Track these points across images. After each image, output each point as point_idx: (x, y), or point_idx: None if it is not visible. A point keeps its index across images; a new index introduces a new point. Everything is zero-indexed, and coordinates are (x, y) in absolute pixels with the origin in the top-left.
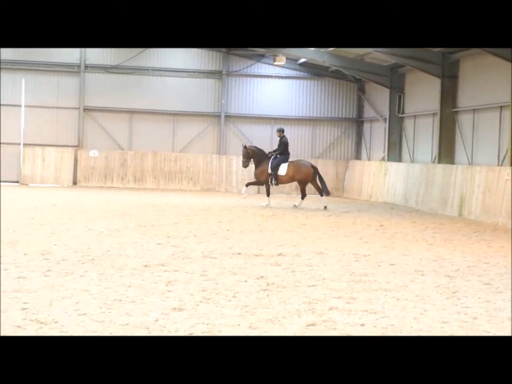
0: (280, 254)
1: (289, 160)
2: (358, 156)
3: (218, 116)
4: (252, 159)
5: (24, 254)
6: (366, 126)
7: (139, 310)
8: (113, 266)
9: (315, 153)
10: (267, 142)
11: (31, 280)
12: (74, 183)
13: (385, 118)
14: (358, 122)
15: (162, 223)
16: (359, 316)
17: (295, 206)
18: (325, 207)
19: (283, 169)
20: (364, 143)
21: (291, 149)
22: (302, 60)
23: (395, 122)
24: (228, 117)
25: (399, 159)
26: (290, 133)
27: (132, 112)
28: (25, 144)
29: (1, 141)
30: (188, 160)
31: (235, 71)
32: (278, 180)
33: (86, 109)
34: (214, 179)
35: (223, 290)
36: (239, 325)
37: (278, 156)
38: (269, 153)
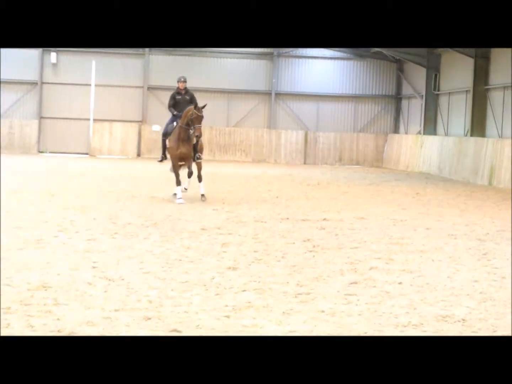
0: (324, 219)
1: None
2: (396, 130)
3: (268, 93)
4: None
5: (94, 218)
6: (404, 103)
7: (197, 269)
8: (174, 230)
9: (357, 127)
10: (314, 116)
11: (100, 242)
12: (138, 155)
13: (422, 95)
14: (396, 99)
15: (217, 190)
16: (397, 275)
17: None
18: None
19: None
20: (402, 118)
21: (334, 123)
22: None
23: (431, 99)
24: (277, 94)
25: (434, 133)
26: (334, 109)
27: (193, 90)
28: (94, 120)
29: (73, 117)
30: (241, 134)
31: (285, 53)
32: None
33: (150, 88)
34: (264, 151)
35: (273, 251)
36: (287, 283)
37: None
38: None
